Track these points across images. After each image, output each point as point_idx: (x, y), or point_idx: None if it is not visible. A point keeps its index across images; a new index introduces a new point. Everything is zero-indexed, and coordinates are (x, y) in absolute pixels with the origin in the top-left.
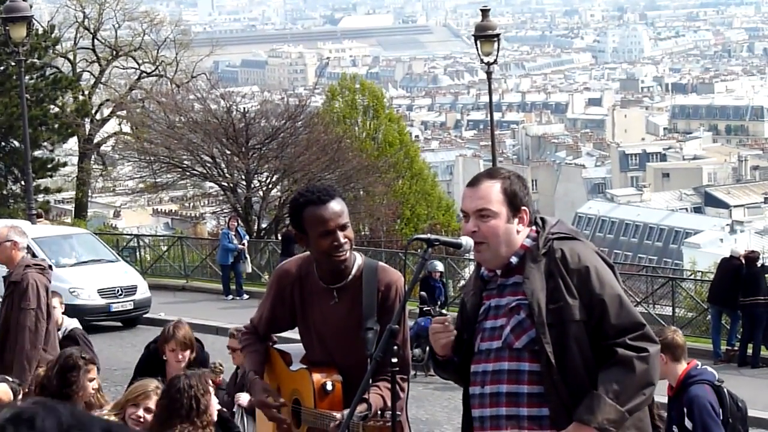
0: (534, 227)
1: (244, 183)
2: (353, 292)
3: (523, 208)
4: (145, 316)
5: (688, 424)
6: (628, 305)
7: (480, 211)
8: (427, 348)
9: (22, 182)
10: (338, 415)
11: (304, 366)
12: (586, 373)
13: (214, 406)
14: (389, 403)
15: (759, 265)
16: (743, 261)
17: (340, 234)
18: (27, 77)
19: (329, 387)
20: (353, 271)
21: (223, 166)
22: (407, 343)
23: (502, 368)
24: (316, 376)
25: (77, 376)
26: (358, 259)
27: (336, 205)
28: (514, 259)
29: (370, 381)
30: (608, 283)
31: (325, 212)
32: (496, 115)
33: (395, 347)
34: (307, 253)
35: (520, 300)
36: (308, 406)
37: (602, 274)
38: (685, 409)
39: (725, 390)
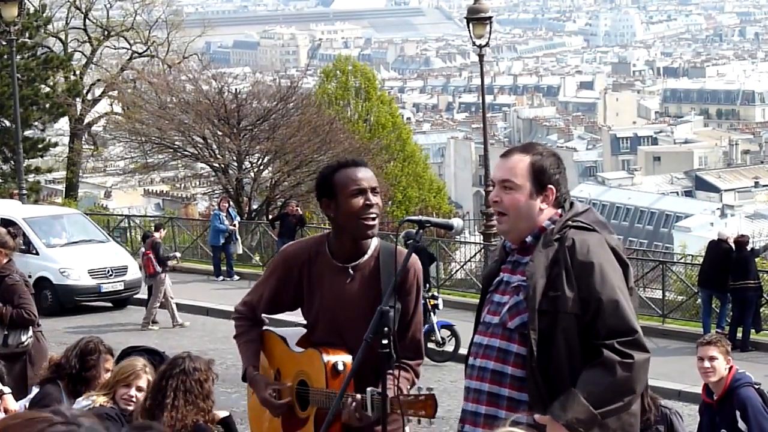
0: (560, 210)
1: (235, 164)
2: (369, 271)
3: (550, 186)
4: (135, 296)
5: (742, 426)
6: (624, 309)
7: (504, 182)
8: None
9: (13, 162)
10: (359, 396)
11: (313, 347)
12: (568, 367)
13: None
14: (403, 389)
15: (749, 248)
16: (733, 245)
17: (372, 195)
18: (18, 57)
19: (340, 367)
20: (370, 251)
21: (214, 147)
22: (420, 326)
23: (493, 345)
24: (327, 357)
25: (96, 361)
26: (375, 240)
27: (367, 171)
28: (529, 239)
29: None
30: (609, 283)
31: (357, 172)
32: (488, 98)
33: (385, 329)
34: (317, 235)
35: (522, 281)
36: (318, 387)
37: (606, 273)
38: (737, 412)
39: (765, 391)
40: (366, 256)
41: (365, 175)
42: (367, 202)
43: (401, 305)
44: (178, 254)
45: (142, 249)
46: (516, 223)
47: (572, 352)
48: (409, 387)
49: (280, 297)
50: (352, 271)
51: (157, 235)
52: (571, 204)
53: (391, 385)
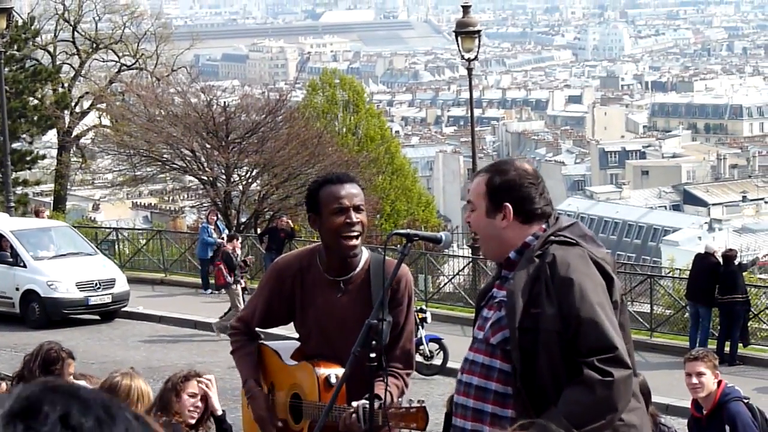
0: (543, 225)
1: (223, 177)
2: (360, 284)
3: (505, 204)
4: (123, 309)
5: None
6: (604, 326)
7: (468, 203)
8: None
9: (0, 174)
10: (355, 404)
11: (305, 360)
12: (552, 384)
13: (186, 405)
14: (395, 398)
15: (736, 263)
16: (720, 259)
17: (354, 214)
18: (6, 69)
19: (333, 380)
20: (360, 264)
21: (202, 159)
22: (413, 336)
23: (478, 360)
24: (320, 370)
25: (60, 370)
26: (365, 253)
27: (353, 188)
28: (513, 255)
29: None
30: (588, 300)
31: (341, 190)
32: (477, 112)
33: (373, 342)
34: (308, 246)
35: (504, 297)
36: (311, 400)
37: (585, 290)
38: (727, 427)
39: (755, 406)
40: (357, 270)
41: (348, 192)
42: (348, 221)
43: (392, 316)
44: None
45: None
46: (485, 243)
47: (556, 368)
48: (398, 393)
49: (273, 310)
50: (342, 285)
51: (229, 246)
52: (556, 218)
53: (380, 390)
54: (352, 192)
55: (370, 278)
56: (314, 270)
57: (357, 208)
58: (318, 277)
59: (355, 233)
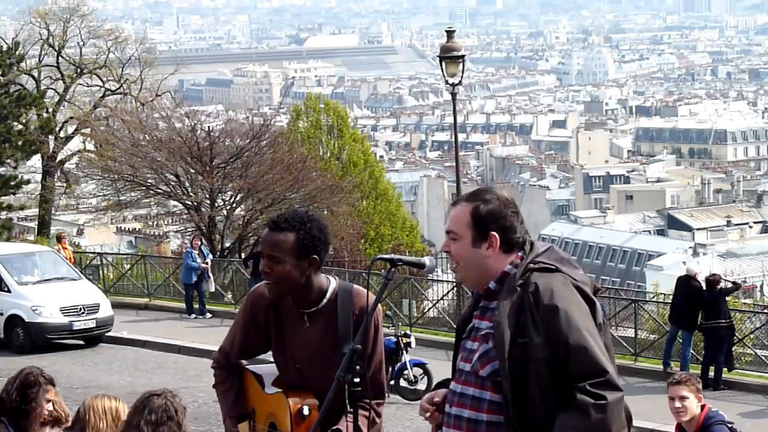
0: (520, 253)
1: (208, 202)
2: (327, 316)
3: (492, 233)
4: (107, 334)
5: None
6: (593, 351)
7: (449, 232)
8: (389, 369)
9: None
10: None
11: (280, 390)
12: (544, 412)
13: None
14: (364, 429)
15: (719, 288)
16: (704, 284)
17: (266, 262)
18: None
19: (306, 412)
20: (327, 296)
21: (187, 184)
22: (382, 366)
23: (467, 393)
24: (293, 401)
25: (36, 393)
26: (333, 284)
27: (278, 236)
28: (493, 285)
29: (347, 406)
30: (575, 326)
31: (265, 236)
32: (461, 136)
33: (357, 367)
34: None
35: (490, 328)
36: (285, 431)
37: (572, 316)
38: None
39: (738, 431)
40: (324, 302)
41: (268, 241)
42: (261, 267)
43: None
44: None
45: None
46: (467, 272)
47: (547, 396)
48: (368, 424)
49: (250, 340)
50: (307, 318)
51: None
52: (531, 245)
53: (343, 425)
54: (272, 240)
55: (338, 308)
56: (287, 300)
57: (272, 258)
58: (289, 308)
59: (266, 282)
